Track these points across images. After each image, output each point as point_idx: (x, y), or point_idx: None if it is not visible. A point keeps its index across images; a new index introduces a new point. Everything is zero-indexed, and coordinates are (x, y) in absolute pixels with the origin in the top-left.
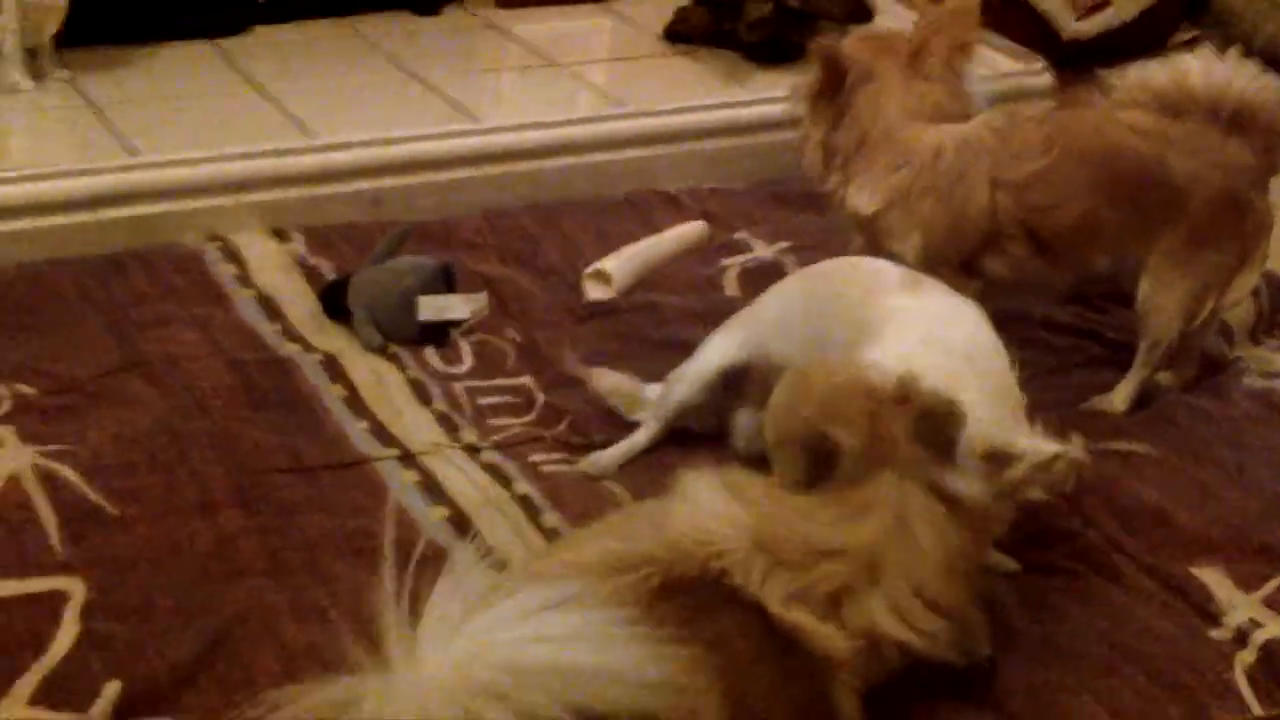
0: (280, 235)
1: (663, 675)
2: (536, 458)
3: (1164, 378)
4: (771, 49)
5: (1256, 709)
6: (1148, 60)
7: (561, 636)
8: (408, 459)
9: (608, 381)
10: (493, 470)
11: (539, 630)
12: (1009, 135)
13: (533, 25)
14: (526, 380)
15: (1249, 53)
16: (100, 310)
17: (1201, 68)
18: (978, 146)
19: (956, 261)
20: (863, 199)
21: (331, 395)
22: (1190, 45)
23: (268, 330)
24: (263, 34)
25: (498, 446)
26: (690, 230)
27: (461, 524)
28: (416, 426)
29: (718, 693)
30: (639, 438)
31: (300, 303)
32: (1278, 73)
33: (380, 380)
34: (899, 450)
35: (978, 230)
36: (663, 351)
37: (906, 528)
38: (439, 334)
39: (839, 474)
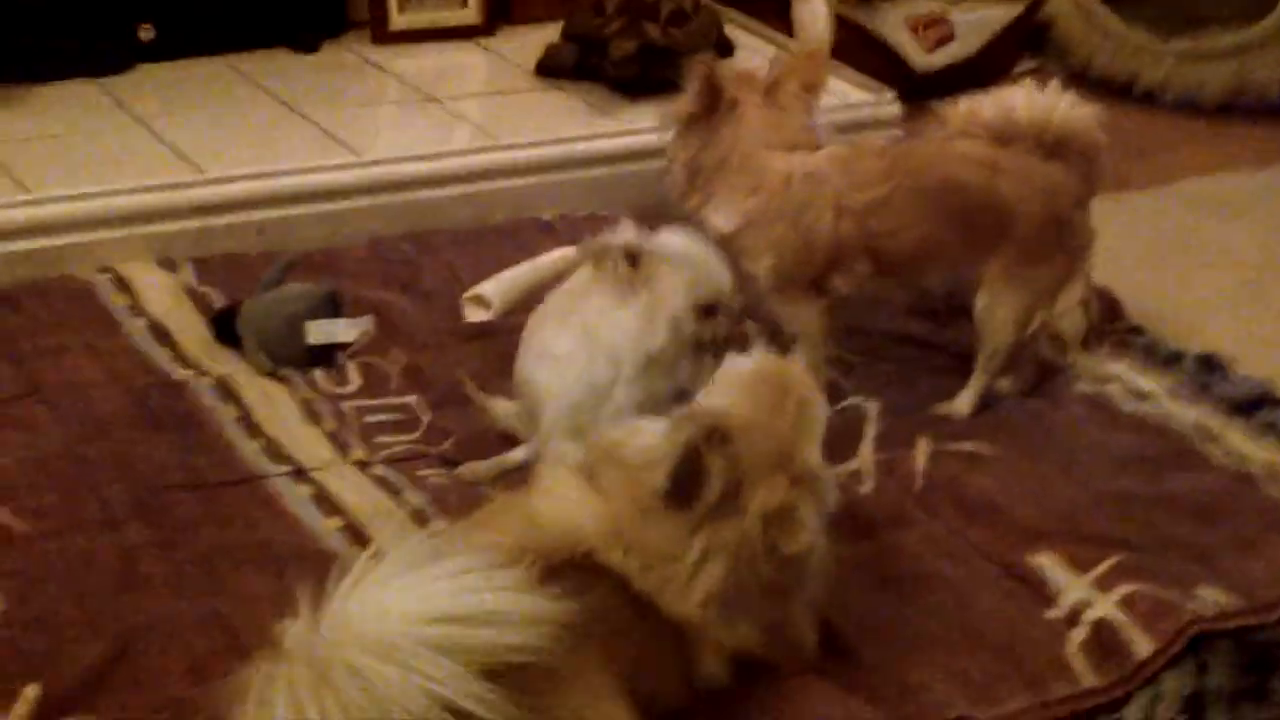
0: (169, 266)
1: (548, 614)
2: (422, 471)
3: (1003, 385)
4: (637, 83)
5: (1089, 680)
6: (977, 93)
7: (453, 585)
8: (300, 474)
9: (502, 410)
10: (382, 483)
11: (432, 582)
12: (852, 165)
13: (409, 61)
14: (411, 399)
15: (1084, 80)
16: None
17: (1025, 99)
18: (822, 176)
19: (805, 280)
20: (720, 219)
21: (225, 417)
22: (1032, 74)
23: (161, 356)
24: (146, 72)
25: (385, 461)
26: (564, 255)
27: (355, 533)
28: (308, 444)
29: (597, 656)
30: (515, 455)
31: (191, 330)
32: (1110, 99)
33: (271, 401)
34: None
35: (824, 252)
36: None
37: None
38: (327, 357)
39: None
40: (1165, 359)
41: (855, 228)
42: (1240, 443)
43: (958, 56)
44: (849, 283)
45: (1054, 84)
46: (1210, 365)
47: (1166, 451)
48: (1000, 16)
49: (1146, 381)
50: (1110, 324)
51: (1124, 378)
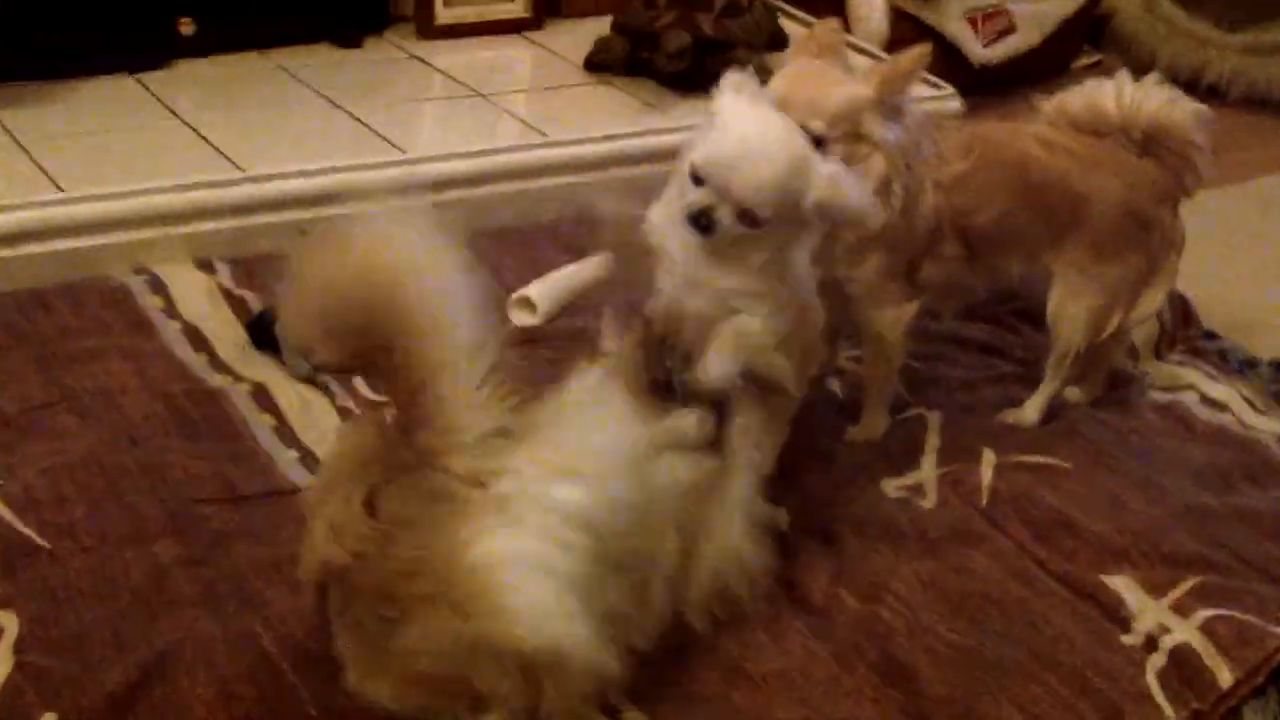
0: (206, 266)
1: None
2: None
3: (1072, 394)
4: (689, 77)
5: (1169, 711)
6: (1068, 85)
7: None
8: None
9: None
10: None
11: None
12: (937, 142)
13: (454, 56)
14: None
15: (1147, 75)
16: (26, 345)
17: (1114, 91)
18: (915, 157)
19: (904, 271)
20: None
21: (260, 424)
22: (1093, 69)
23: (195, 361)
24: (184, 69)
25: None
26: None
27: None
28: None
29: None
30: None
31: (227, 333)
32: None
33: (309, 409)
34: None
35: (924, 234)
36: None
37: None
38: None
39: None
40: (1239, 366)
41: (946, 203)
42: None
43: (1018, 49)
44: (940, 270)
45: (1151, 78)
46: None
47: (1245, 464)
48: (1061, 9)
49: (1222, 390)
50: (1182, 329)
51: (1198, 386)
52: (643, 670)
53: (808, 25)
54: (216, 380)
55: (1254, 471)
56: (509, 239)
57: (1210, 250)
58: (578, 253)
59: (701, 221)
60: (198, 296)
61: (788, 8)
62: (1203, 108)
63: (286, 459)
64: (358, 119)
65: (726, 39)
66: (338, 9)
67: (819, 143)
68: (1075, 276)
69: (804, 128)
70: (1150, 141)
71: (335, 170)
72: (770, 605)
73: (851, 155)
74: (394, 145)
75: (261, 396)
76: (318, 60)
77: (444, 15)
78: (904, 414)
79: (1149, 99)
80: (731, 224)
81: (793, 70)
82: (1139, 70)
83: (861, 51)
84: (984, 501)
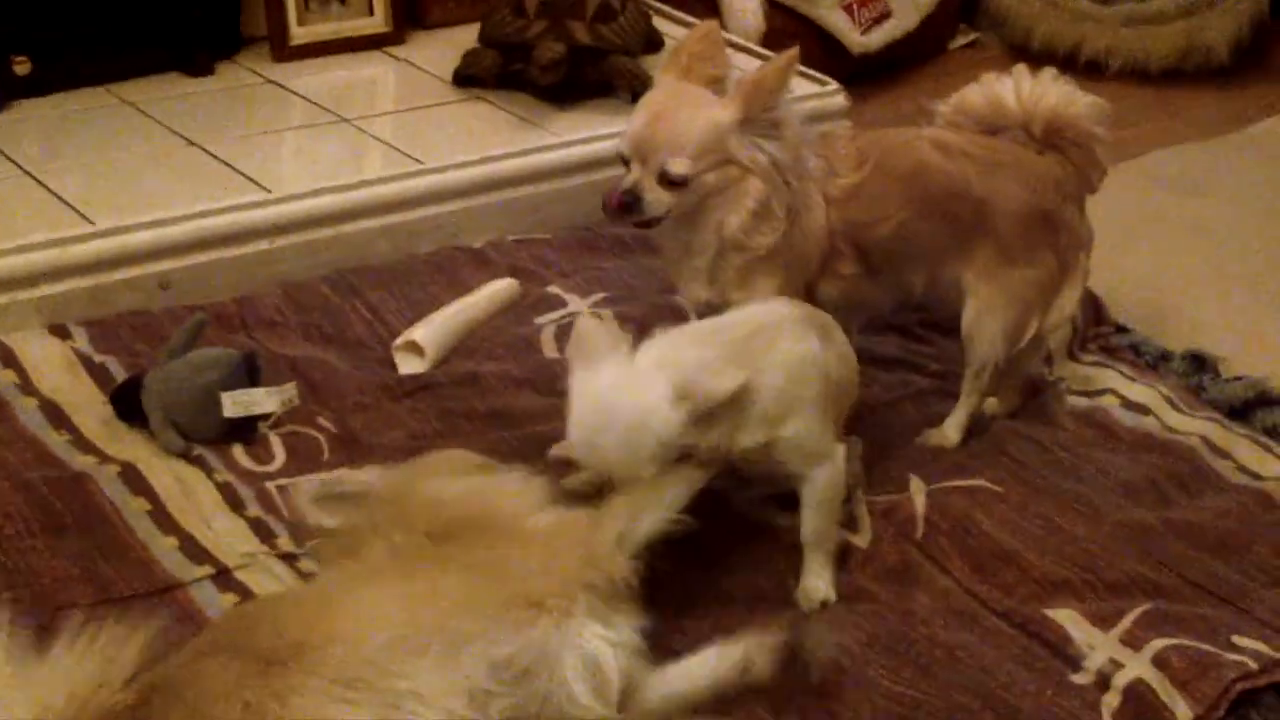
0: (61, 332)
1: None
2: None
3: (990, 405)
4: (566, 88)
5: None
6: (948, 66)
7: None
8: (222, 576)
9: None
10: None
11: None
12: (826, 154)
13: (314, 78)
14: (344, 472)
15: (1025, 52)
16: None
17: (1013, 86)
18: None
19: (800, 291)
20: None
21: (133, 511)
22: (969, 48)
23: (56, 442)
24: (23, 110)
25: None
26: (500, 288)
27: None
28: (229, 537)
29: None
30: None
31: (90, 408)
32: (1056, 68)
33: (186, 489)
34: None
35: (819, 250)
36: (489, 424)
37: None
38: (246, 430)
39: None
40: (1153, 361)
41: (840, 218)
42: (1250, 456)
43: (895, 34)
44: (839, 288)
45: (1048, 72)
46: (1200, 364)
47: (1174, 471)
48: None
49: (1141, 391)
50: (1094, 327)
51: (1117, 389)
52: None
53: (683, 24)
54: (81, 463)
55: (1183, 478)
56: (387, 277)
57: (1108, 234)
58: (461, 287)
59: None
60: (54, 367)
61: (662, 7)
62: (1101, 100)
63: (164, 548)
64: (214, 155)
65: (601, 46)
66: (185, 35)
67: (684, 182)
68: (986, 287)
69: (666, 170)
70: (1050, 136)
71: (195, 216)
72: None
73: (724, 181)
74: (256, 183)
75: (133, 478)
76: (168, 92)
77: (299, 34)
78: None
79: (1048, 93)
80: None
81: (654, 100)
82: (1016, 48)
83: (739, 48)
84: (919, 534)
